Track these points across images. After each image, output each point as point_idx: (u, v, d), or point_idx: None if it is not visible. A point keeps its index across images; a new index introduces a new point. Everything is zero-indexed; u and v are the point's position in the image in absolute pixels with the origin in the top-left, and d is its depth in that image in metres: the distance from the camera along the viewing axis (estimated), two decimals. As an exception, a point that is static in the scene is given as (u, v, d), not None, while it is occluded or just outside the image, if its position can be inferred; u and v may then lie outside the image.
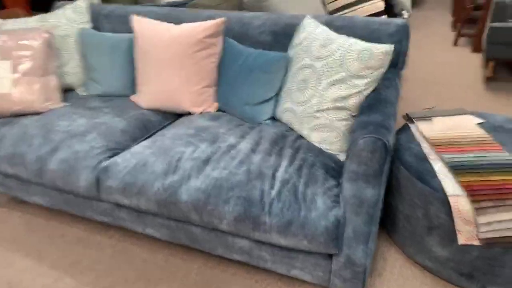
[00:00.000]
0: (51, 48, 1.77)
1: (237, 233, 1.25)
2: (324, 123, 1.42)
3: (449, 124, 1.66)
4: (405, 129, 1.70)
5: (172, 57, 1.65)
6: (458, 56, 3.60)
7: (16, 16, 3.22)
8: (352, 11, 2.58)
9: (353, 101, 1.37)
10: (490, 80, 3.06)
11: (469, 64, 3.42)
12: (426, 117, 1.71)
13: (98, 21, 2.03)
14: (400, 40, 1.55)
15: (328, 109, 1.40)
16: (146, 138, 1.61)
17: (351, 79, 1.36)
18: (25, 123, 1.60)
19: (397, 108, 1.36)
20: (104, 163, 1.39)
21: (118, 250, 1.67)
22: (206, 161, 1.32)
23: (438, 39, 4.07)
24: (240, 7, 2.13)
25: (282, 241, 1.17)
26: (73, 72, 1.92)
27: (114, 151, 1.47)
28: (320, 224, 1.13)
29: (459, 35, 3.77)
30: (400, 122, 2.48)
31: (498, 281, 1.35)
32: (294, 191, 1.19)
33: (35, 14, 4.32)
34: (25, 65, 1.67)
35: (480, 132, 1.58)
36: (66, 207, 1.59)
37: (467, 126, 1.64)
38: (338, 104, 1.39)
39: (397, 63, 1.58)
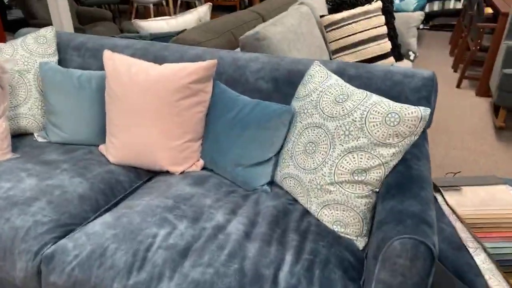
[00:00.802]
0: (2, 87, 1.45)
1: None
2: (339, 199, 1.12)
3: (482, 196, 1.38)
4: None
5: (149, 104, 1.34)
6: (463, 99, 3.41)
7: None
8: (357, 51, 2.34)
9: (377, 175, 1.08)
10: (501, 129, 2.84)
11: (476, 109, 3.22)
12: (454, 187, 1.43)
13: (66, 53, 1.73)
14: (428, 97, 1.28)
15: (344, 182, 1.11)
16: (111, 207, 1.27)
17: (375, 147, 1.07)
18: (-43, 182, 1.25)
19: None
20: (49, 248, 1.05)
21: None
22: (185, 252, 1.00)
23: (440, 80, 3.88)
24: (234, 45, 1.85)
25: None
26: (30, 114, 1.59)
27: (66, 228, 1.12)
28: None
29: (463, 77, 3.59)
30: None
31: None
32: (303, 307, 0.87)
33: (8, 35, 3.99)
34: (-35, 108, 1.34)
35: (522, 210, 1.30)
36: (2, 293, 1.23)
37: (503, 199, 1.37)
38: (357, 178, 1.09)
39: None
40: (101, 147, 1.52)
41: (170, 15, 4.97)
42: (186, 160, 1.41)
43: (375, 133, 1.07)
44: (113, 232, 1.06)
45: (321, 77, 1.28)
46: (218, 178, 1.36)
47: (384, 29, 2.37)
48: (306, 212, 1.19)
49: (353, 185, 1.10)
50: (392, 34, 2.57)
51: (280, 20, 1.84)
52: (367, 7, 2.33)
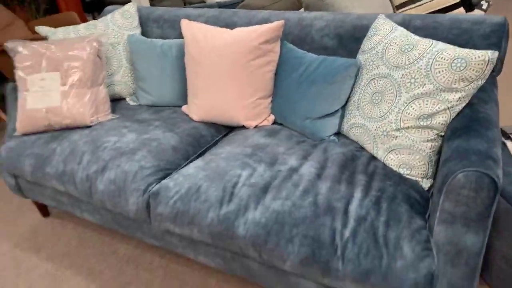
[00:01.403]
0: (100, 58, 1.69)
1: (302, 275, 1.08)
2: (405, 144, 1.20)
3: (556, 142, 1.37)
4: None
5: (224, 67, 1.49)
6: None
7: (71, 19, 3.25)
8: (422, 4, 2.28)
9: (442, 119, 1.14)
10: None
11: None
12: (525, 133, 1.43)
13: (147, 26, 1.93)
14: (499, 43, 1.28)
15: (410, 127, 1.18)
16: (199, 156, 1.48)
17: (440, 93, 1.13)
18: (74, 139, 1.53)
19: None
20: (155, 187, 1.28)
21: (170, 273, 1.57)
22: (265, 189, 1.16)
23: (516, 29, 3.58)
24: (297, 7, 1.93)
25: (359, 292, 0.98)
26: (123, 81, 1.83)
27: (165, 172, 1.35)
28: (408, 277, 0.92)
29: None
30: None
31: None
32: (373, 232, 1.00)
33: (88, 16, 4.38)
34: (74, 77, 1.60)
35: None
36: (116, 226, 1.51)
37: None
38: (423, 123, 1.16)
39: (493, 69, 1.32)
40: (184, 108, 1.73)
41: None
42: (258, 116, 1.56)
43: (441, 79, 1.12)
44: (204, 173, 1.25)
45: (386, 29, 1.33)
46: (288, 131, 1.50)
47: (452, -22, 2.27)
48: (373, 158, 1.29)
49: (418, 130, 1.17)
50: (462, -17, 2.43)
51: (342, -23, 1.86)
52: (434, -44, 2.23)
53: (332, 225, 1.03)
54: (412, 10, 2.28)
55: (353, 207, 1.07)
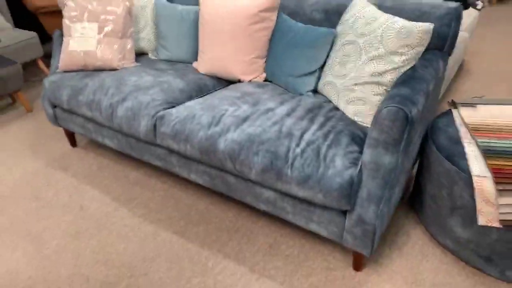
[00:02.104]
0: (131, 15, 2.05)
1: (263, 183, 1.41)
2: (360, 96, 1.50)
3: (494, 112, 1.64)
4: (447, 114, 1.71)
5: (228, 28, 1.83)
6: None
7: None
8: (418, -3, 2.53)
9: (389, 77, 1.44)
10: None
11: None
12: (471, 104, 1.70)
13: (172, -6, 2.28)
14: (449, 23, 1.56)
15: (365, 83, 1.48)
16: (199, 98, 1.82)
17: (389, 56, 1.42)
18: (103, 77, 1.90)
19: (432, 86, 1.39)
20: (161, 113, 1.63)
21: (168, 194, 1.92)
22: (245, 119, 1.49)
23: (521, 34, 3.76)
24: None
25: (300, 193, 1.30)
26: (147, 38, 2.20)
27: (171, 104, 1.70)
28: (335, 181, 1.24)
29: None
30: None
31: (518, 268, 1.35)
32: (317, 151, 1.31)
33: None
34: (108, 28, 1.97)
35: (526, 123, 1.54)
36: (129, 150, 1.87)
37: (511, 114, 1.61)
38: (375, 79, 1.46)
39: (443, 46, 1.60)
40: (194, 63, 2.07)
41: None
42: (253, 72, 1.88)
43: (390, 44, 1.41)
44: (200, 106, 1.60)
45: (360, 6, 1.63)
46: (275, 86, 1.82)
47: (447, -24, 2.51)
48: (335, 109, 1.60)
49: (371, 85, 1.48)
50: (459, -18, 2.67)
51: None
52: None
53: (288, 145, 1.35)
54: None
55: (307, 135, 1.38)
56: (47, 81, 2.02)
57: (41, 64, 3.26)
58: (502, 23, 4.12)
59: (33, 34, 3.12)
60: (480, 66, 3.16)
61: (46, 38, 4.03)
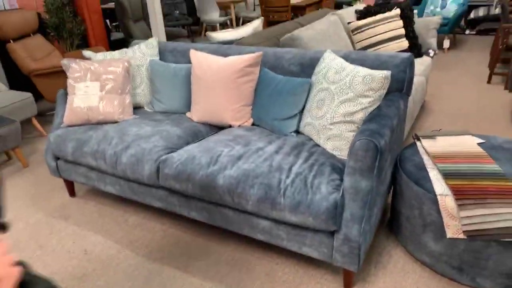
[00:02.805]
0: (128, 74, 2.30)
1: (259, 213, 1.59)
2: (336, 133, 1.75)
3: (451, 142, 1.92)
4: (412, 145, 1.98)
5: (219, 82, 2.09)
6: (490, 93, 3.76)
7: (98, 52, 3.94)
8: (378, 49, 2.93)
9: (359, 116, 1.70)
10: (517, 114, 3.19)
11: (500, 101, 3.57)
12: (431, 136, 1.98)
13: (164, 54, 2.57)
14: (405, 70, 1.87)
15: (339, 122, 1.74)
16: (196, 143, 2.03)
17: (357, 98, 1.70)
18: (106, 129, 2.10)
19: (396, 121, 1.66)
20: (163, 157, 1.82)
21: (168, 233, 2.06)
22: (239, 158, 1.70)
23: (473, 77, 4.25)
24: (277, 45, 2.56)
25: (293, 218, 1.49)
26: (143, 93, 2.44)
27: (171, 150, 1.90)
28: (322, 205, 1.44)
29: (492, 73, 3.94)
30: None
31: (485, 273, 1.55)
32: (304, 181, 1.53)
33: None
34: (109, 86, 2.20)
35: (478, 149, 1.82)
36: (131, 194, 2.03)
37: (467, 144, 1.89)
38: (347, 118, 1.72)
39: (402, 88, 1.90)
40: (188, 113, 2.31)
41: (233, 31, 5.84)
42: (241, 118, 2.13)
43: (358, 89, 1.70)
44: (198, 149, 1.81)
45: (330, 59, 1.94)
46: (262, 129, 2.06)
47: (401, 31, 2.93)
48: (317, 145, 1.84)
49: (345, 124, 1.73)
50: (412, 35, 3.11)
51: (311, 25, 2.52)
52: (387, 14, 2.92)
53: (279, 177, 1.56)
54: (361, 34, 2.92)
55: (295, 168, 1.60)
56: (52, 136, 2.19)
57: (35, 122, 3.43)
58: (456, 67, 4.63)
59: (28, 94, 3.32)
60: (439, 105, 3.54)
61: (38, 97, 4.22)
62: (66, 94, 2.34)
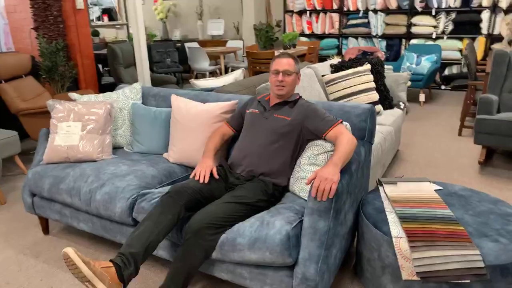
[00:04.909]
0: (111, 116, 2.42)
1: (223, 259, 1.64)
2: (302, 175, 1.85)
3: (410, 188, 2.03)
4: (375, 190, 2.08)
5: (196, 126, 2.22)
6: (461, 144, 3.96)
7: (89, 94, 4.09)
8: (351, 100, 3.13)
9: (322, 158, 1.82)
10: (484, 165, 3.36)
11: (469, 151, 3.76)
12: (393, 182, 2.09)
13: (147, 98, 2.71)
14: (366, 119, 2.02)
15: (305, 163, 1.85)
16: (169, 184, 2.11)
17: (322, 143, 1.83)
18: (84, 167, 2.18)
19: (355, 167, 1.78)
20: (137, 195, 1.89)
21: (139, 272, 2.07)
22: (208, 197, 1.78)
23: (445, 129, 4.47)
24: (254, 93, 2.74)
25: (253, 255, 1.55)
26: (123, 134, 2.54)
27: (145, 189, 1.97)
28: (276, 238, 1.51)
29: (463, 126, 4.17)
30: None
31: (440, 316, 1.59)
32: (261, 220, 1.61)
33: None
34: (91, 126, 2.31)
35: (434, 195, 1.93)
36: (103, 232, 2.06)
37: (425, 189, 2.00)
38: (312, 161, 1.84)
39: (364, 136, 2.04)
40: (165, 154, 2.41)
41: (221, 79, 6.12)
42: (217, 161, 2.23)
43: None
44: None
45: (298, 108, 2.08)
46: (234, 171, 2.16)
47: (372, 85, 3.15)
48: (287, 189, 1.93)
49: (309, 165, 1.84)
50: (382, 89, 3.33)
51: (286, 77, 2.71)
52: (358, 69, 3.15)
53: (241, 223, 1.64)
54: (334, 86, 3.12)
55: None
56: (30, 172, 2.26)
57: (17, 160, 3.48)
58: (430, 120, 4.88)
59: (13, 132, 3.40)
60: (412, 155, 3.71)
61: (23, 136, 4.30)
62: (48, 133, 2.43)
